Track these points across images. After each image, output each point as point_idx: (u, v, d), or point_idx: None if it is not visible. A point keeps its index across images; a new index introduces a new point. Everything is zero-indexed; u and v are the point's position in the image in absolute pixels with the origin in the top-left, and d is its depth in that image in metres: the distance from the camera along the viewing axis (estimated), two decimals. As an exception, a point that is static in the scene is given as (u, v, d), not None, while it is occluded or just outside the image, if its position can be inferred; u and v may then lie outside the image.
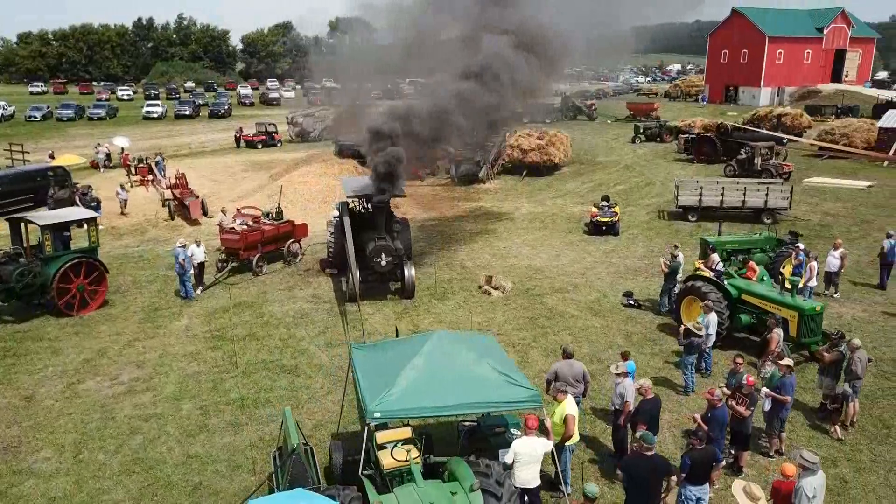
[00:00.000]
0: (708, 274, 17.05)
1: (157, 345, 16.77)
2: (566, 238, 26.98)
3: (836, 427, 12.15)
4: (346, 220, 20.13)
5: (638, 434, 9.11)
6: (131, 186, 35.75)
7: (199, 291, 20.30)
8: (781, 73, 78.80)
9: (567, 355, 12.17)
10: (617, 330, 17.57)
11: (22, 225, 18.90)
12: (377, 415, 8.88)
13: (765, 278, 17.09)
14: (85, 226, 19.32)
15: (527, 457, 9.21)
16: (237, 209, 24.57)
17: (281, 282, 21.59)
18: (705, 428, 10.17)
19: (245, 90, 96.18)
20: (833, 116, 64.76)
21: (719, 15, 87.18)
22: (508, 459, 9.26)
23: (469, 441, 10.92)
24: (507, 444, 10.08)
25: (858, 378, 12.13)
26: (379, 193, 19.83)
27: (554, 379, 11.96)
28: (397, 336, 13.22)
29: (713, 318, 14.31)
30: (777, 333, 13.27)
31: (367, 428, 8.92)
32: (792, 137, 44.23)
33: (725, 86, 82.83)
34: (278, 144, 51.87)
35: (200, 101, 78.48)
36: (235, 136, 51.24)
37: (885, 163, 40.11)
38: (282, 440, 10.80)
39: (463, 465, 8.76)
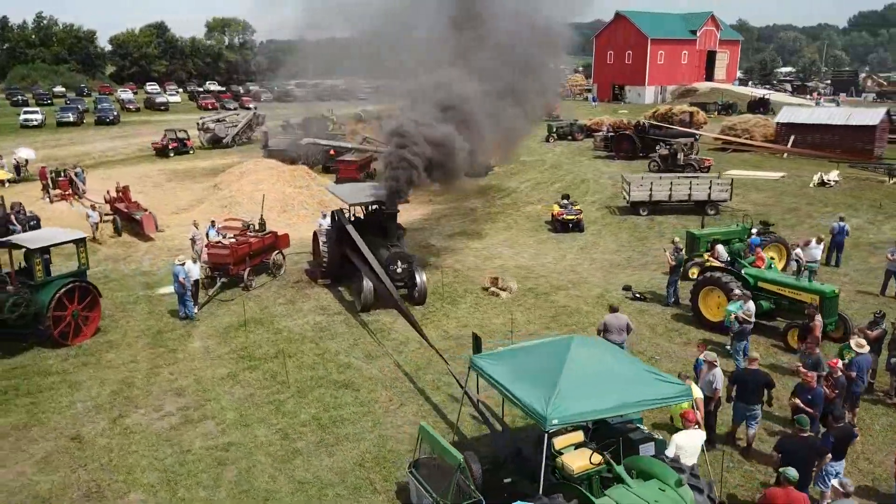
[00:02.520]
0: (718, 265, 18.23)
1: (185, 370, 15.78)
2: (535, 236, 27.70)
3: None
4: (352, 229, 19.76)
5: (794, 418, 9.82)
6: (51, 202, 33.09)
7: (196, 311, 19.21)
8: (663, 72, 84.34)
9: (613, 309, 14.81)
10: (637, 323, 18.19)
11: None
12: (555, 421, 8.96)
13: (772, 266, 18.47)
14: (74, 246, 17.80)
15: (691, 448, 9.66)
16: (212, 221, 23.40)
17: (277, 295, 20.80)
18: (810, 410, 10.99)
19: (126, 94, 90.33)
20: (716, 112, 70.24)
21: (586, 16, 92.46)
22: (671, 453, 9.64)
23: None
24: (648, 440, 10.45)
25: (904, 350, 13.56)
26: (390, 200, 19.57)
27: (604, 329, 14.46)
28: (478, 345, 13.02)
29: (751, 305, 15.34)
30: (818, 320, 14.46)
31: (546, 435, 8.97)
32: (703, 133, 47.48)
33: (612, 85, 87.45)
34: (191, 151, 49.39)
35: (82, 107, 72.95)
36: (164, 144, 48.26)
37: (785, 154, 43.99)
38: (418, 454, 10.64)
39: (655, 461, 9.04)
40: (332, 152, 40.28)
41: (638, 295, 20.22)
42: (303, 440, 12.70)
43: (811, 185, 35.52)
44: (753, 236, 21.25)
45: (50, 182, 33.80)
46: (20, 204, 27.33)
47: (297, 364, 15.96)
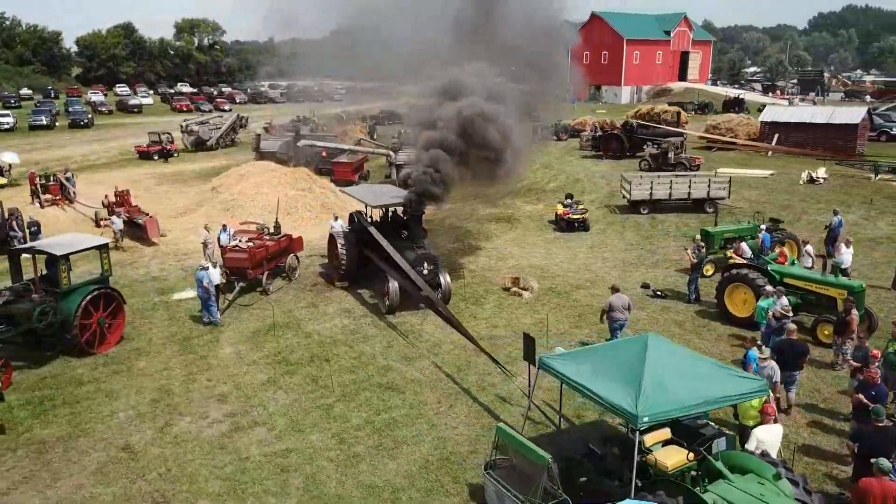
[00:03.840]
0: (742, 261, 18.57)
1: (222, 376, 15.54)
2: (542, 236, 27.86)
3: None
4: (376, 231, 19.68)
5: (870, 409, 10.06)
6: (41, 207, 32.26)
7: (220, 316, 18.93)
8: (638, 72, 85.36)
9: (615, 290, 16.29)
10: (664, 320, 18.61)
11: (20, 257, 16.75)
12: (646, 419, 9.06)
13: (794, 262, 18.85)
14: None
15: (771, 442, 9.83)
16: (223, 225, 23.07)
17: (297, 299, 20.61)
18: (875, 405, 11.19)
19: (97, 96, 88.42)
20: (693, 112, 71.37)
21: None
22: (752, 446, 9.81)
23: None
24: (719, 435, 10.61)
25: (945, 341, 13.96)
26: (417, 202, 19.52)
27: (609, 309, 15.75)
28: (530, 346, 12.98)
29: (784, 300, 15.66)
30: (855, 314, 14.82)
31: (637, 433, 9.06)
32: (689, 132, 48.19)
33: (590, 85, 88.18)
34: (175, 154, 48.54)
35: (54, 110, 71.21)
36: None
37: (770, 153, 44.90)
38: (494, 455, 10.64)
39: (750, 456, 9.18)
40: (324, 154, 39.96)
41: (658, 293, 20.46)
42: (361, 444, 12.62)
43: (800, 182, 36.29)
44: (764, 233, 21.73)
45: (39, 187, 32.95)
46: (17, 209, 26.62)
47: (335, 368, 15.83)
